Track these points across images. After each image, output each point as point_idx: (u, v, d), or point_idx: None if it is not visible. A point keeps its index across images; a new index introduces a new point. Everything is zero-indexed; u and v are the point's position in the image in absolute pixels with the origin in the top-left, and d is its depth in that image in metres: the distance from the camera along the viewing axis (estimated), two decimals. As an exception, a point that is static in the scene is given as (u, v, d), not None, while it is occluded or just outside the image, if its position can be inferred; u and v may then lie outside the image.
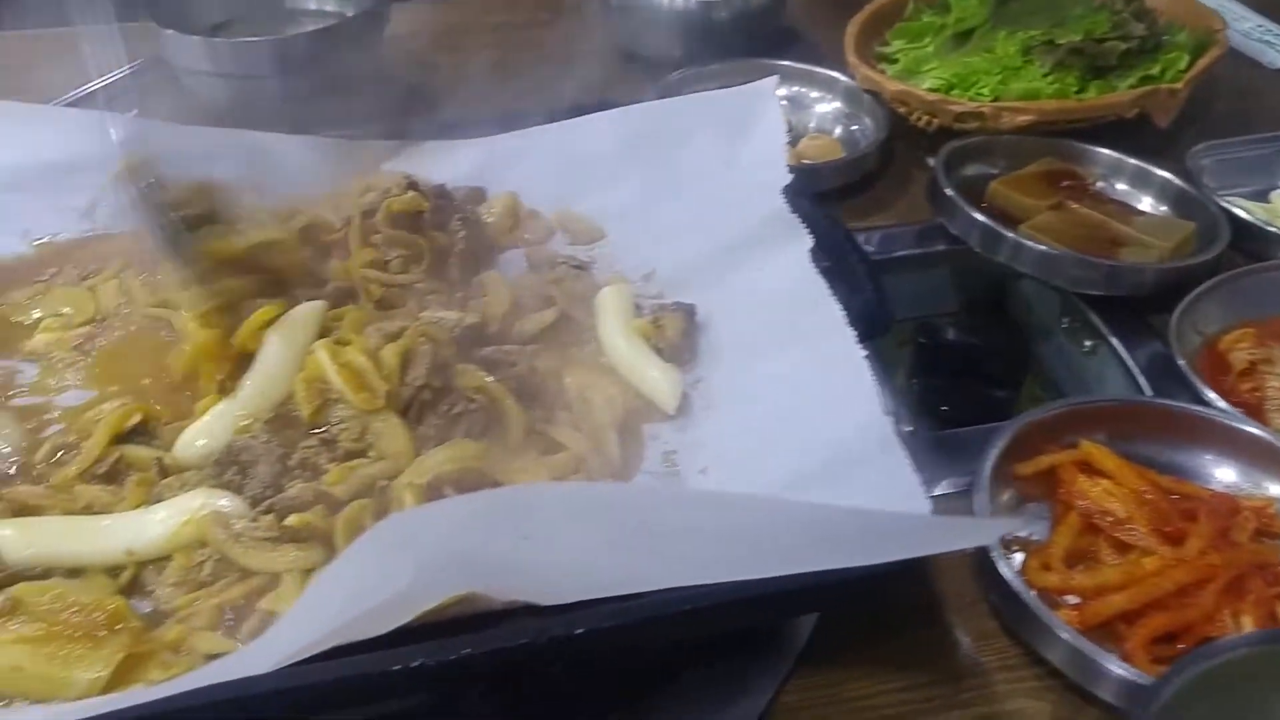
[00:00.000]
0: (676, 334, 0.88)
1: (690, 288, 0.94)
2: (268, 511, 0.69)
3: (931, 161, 1.19)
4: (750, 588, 0.58)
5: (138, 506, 0.73)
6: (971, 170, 1.17)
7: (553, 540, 0.58)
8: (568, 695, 0.69)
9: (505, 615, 0.63)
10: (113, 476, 0.76)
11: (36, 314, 0.90)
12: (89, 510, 0.73)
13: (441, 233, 0.92)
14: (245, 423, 0.77)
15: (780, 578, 0.58)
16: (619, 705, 0.69)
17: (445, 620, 0.62)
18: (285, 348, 0.80)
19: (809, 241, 0.87)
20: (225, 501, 0.70)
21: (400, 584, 0.57)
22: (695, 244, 0.97)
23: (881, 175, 1.26)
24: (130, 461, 0.77)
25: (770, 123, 1.01)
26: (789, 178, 0.94)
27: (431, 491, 0.68)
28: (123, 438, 0.78)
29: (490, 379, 0.78)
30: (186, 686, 0.55)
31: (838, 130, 1.34)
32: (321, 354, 0.77)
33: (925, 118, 1.26)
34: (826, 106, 1.36)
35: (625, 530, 0.60)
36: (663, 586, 0.59)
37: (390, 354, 0.77)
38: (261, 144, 1.05)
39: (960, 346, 1.20)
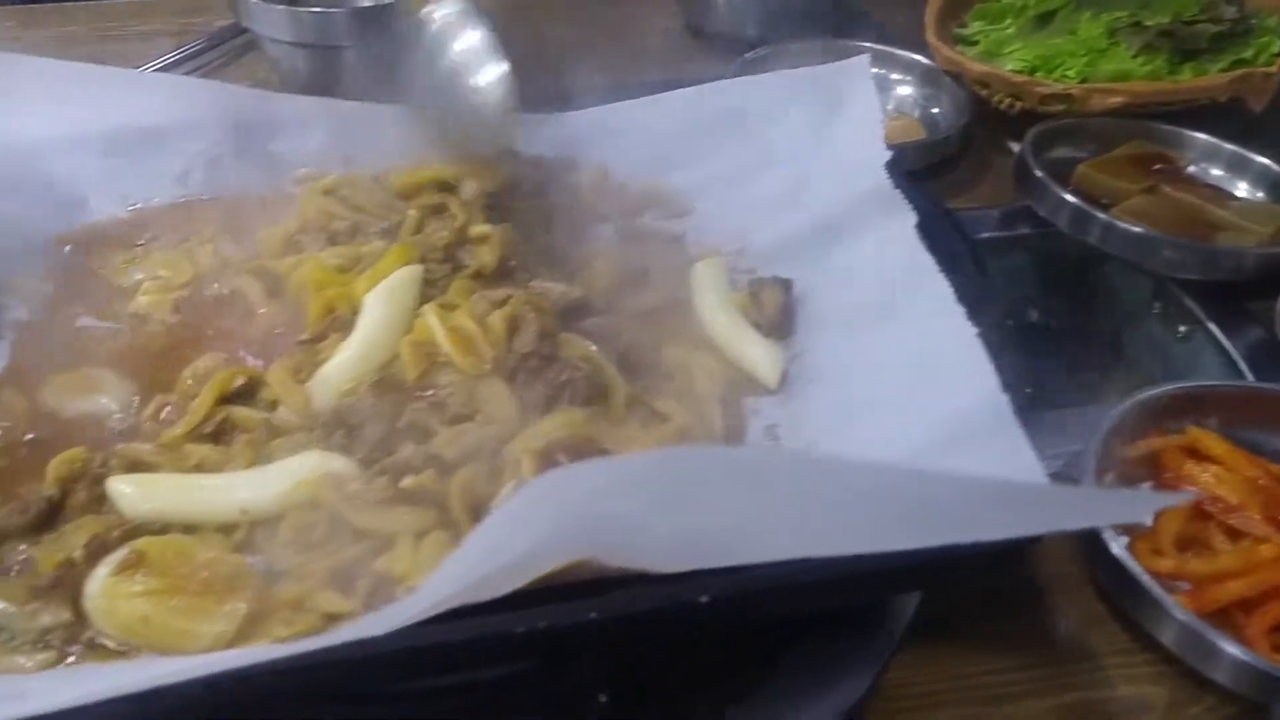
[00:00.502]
0: (775, 308, 0.87)
1: (785, 262, 0.93)
2: (380, 473, 0.69)
3: (1014, 145, 1.18)
4: (883, 560, 0.57)
5: (248, 466, 0.73)
6: (1058, 153, 1.16)
7: (683, 505, 0.57)
8: (673, 666, 0.69)
9: (616, 584, 0.63)
10: (219, 436, 0.77)
11: (138, 276, 0.91)
12: (200, 469, 0.73)
13: (541, 202, 0.91)
14: (349, 386, 0.77)
15: (912, 551, 0.57)
16: (723, 677, 0.69)
17: (555, 587, 0.62)
18: (387, 312, 0.80)
19: (913, 218, 0.86)
20: (338, 464, 0.70)
21: (522, 547, 0.57)
22: (789, 219, 0.96)
23: (963, 158, 1.25)
24: (236, 422, 0.77)
25: (864, 100, 1.00)
26: (888, 154, 0.93)
27: (546, 457, 0.68)
28: (228, 399, 0.79)
29: (594, 348, 0.78)
30: (313, 645, 0.55)
31: (916, 113, 1.32)
32: (431, 318, 0.77)
33: (1008, 100, 1.25)
34: (906, 89, 1.34)
35: (754, 495, 0.59)
36: (791, 556, 0.58)
37: (497, 320, 0.77)
38: (351, 113, 1.05)
39: (1045, 330, 1.18)
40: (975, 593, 0.74)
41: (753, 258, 0.96)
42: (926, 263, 0.82)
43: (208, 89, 1.02)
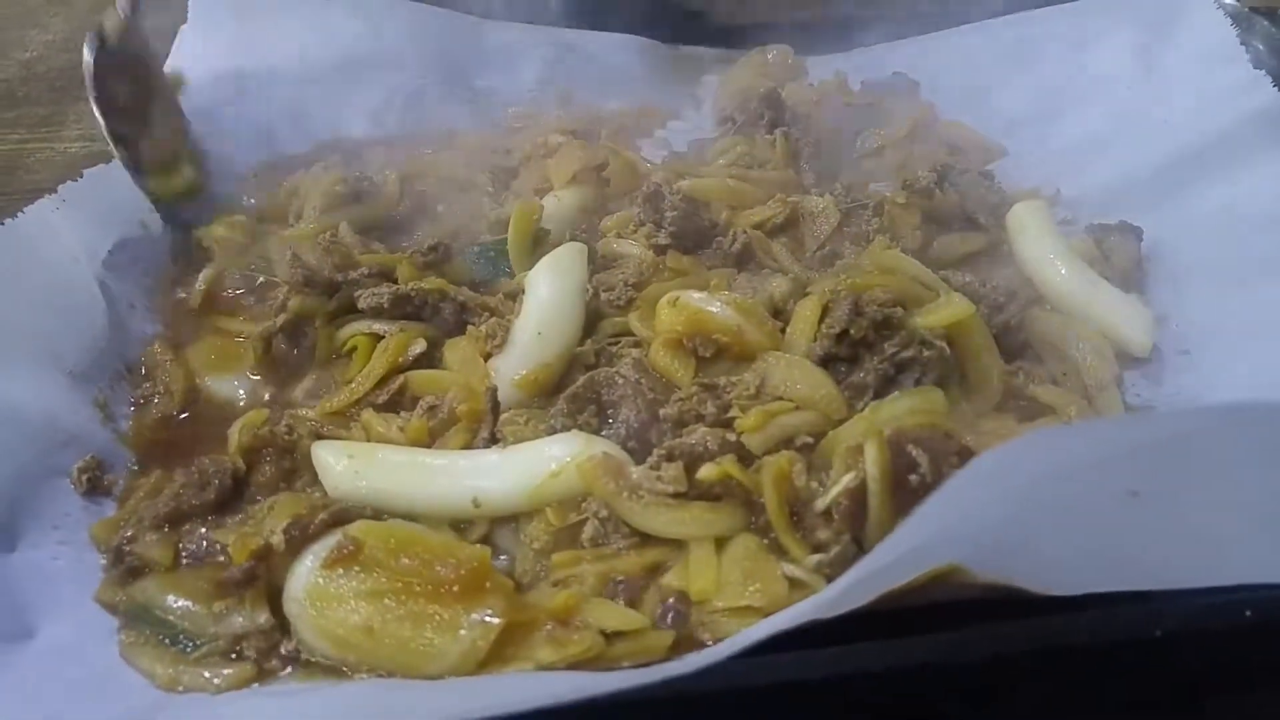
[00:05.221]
0: (1128, 261, 0.67)
1: (1118, 208, 0.73)
2: (668, 459, 0.52)
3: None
4: None
5: (464, 446, 0.57)
6: None
7: (1174, 498, 0.39)
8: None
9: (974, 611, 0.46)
10: (395, 405, 0.61)
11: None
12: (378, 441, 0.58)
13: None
14: (521, 374, 0.59)
15: None
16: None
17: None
18: (559, 287, 0.62)
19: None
20: (611, 448, 0.53)
21: (899, 549, 0.42)
22: (1120, 160, 0.77)
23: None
24: (416, 388, 0.61)
25: (1203, 21, 0.81)
26: (1260, 76, 0.73)
27: (896, 447, 0.50)
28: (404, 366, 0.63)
29: (963, 307, 0.58)
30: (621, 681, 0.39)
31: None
32: (694, 296, 0.59)
33: (1339, 40, 1.02)
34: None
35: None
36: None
37: (812, 302, 0.59)
38: (570, 42, 0.90)
39: None
40: None
41: (1071, 205, 0.78)
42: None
43: (412, 12, 0.88)
